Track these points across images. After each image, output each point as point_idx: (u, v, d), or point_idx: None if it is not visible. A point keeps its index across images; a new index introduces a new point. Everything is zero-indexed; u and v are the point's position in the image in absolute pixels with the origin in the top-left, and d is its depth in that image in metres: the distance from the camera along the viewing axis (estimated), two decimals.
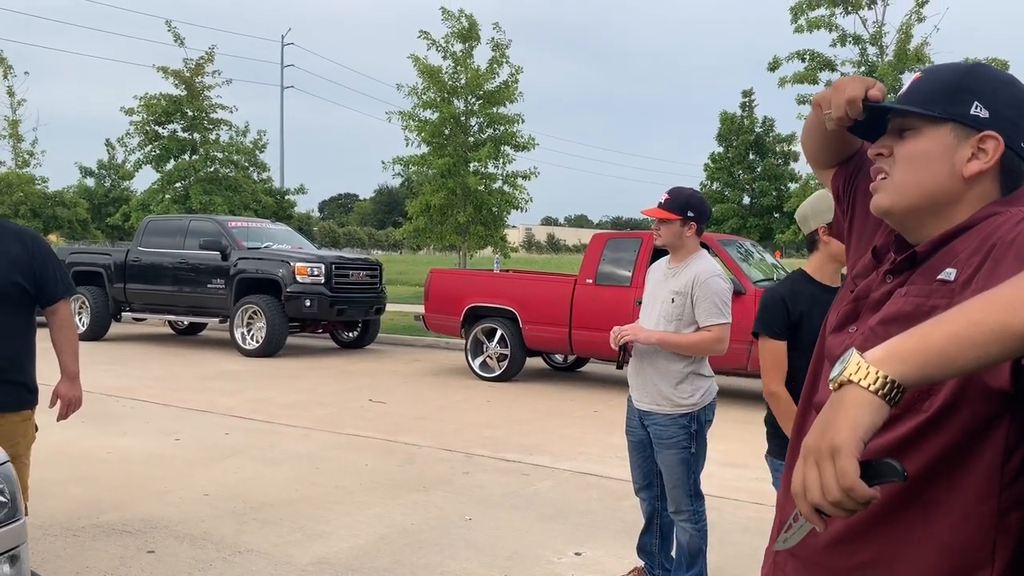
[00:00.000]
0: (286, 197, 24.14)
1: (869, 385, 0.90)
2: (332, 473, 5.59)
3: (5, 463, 2.30)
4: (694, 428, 3.48)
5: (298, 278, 11.49)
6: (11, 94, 21.99)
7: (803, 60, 15.70)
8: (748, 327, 9.51)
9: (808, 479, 0.95)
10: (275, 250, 12.23)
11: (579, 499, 5.18)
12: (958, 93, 1.22)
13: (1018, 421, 1.09)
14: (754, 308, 9.74)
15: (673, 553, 3.74)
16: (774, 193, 31.85)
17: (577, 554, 4.23)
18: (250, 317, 11.59)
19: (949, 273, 1.16)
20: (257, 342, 11.46)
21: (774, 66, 16.02)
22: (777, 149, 33.15)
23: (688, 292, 3.47)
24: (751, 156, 33.39)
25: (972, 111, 1.21)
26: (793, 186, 25.66)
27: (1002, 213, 1.17)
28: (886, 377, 0.90)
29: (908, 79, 1.32)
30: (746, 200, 33.22)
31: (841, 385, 0.94)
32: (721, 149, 33.56)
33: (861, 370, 0.91)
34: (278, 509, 4.79)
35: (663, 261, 3.69)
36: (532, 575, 3.93)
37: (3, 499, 2.23)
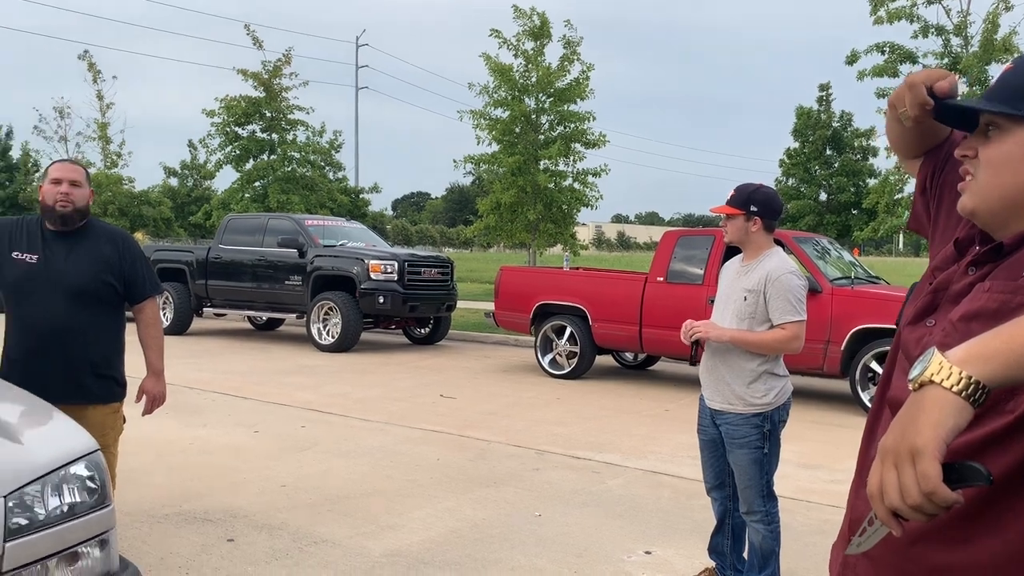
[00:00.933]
0: (361, 196, 24.59)
1: (952, 386, 0.88)
2: (405, 467, 5.68)
3: (95, 452, 2.41)
4: (767, 428, 3.43)
5: (372, 275, 11.69)
6: (100, 98, 22.92)
7: (883, 53, 15.21)
8: (825, 325, 9.27)
9: (886, 482, 0.93)
10: (350, 248, 12.46)
11: (649, 498, 5.15)
12: None
13: None
14: (831, 306, 9.43)
15: (745, 554, 3.69)
16: (852, 189, 31.01)
17: (647, 553, 4.21)
18: (326, 313, 11.85)
19: None
20: (332, 337, 11.71)
21: (852, 59, 15.57)
22: (855, 144, 32.28)
23: (761, 290, 3.42)
24: (828, 151, 32.59)
25: None
26: (872, 182, 24.90)
27: None
28: (970, 378, 0.87)
29: (997, 71, 1.25)
30: (823, 196, 32.43)
31: (922, 385, 0.91)
32: (797, 144, 32.84)
33: (943, 370, 0.89)
34: (352, 501, 4.89)
35: (736, 259, 3.65)
36: (601, 573, 3.93)
37: (93, 486, 2.34)
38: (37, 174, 30.78)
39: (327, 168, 22.75)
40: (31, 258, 3.34)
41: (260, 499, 4.87)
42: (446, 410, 7.70)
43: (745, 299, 3.45)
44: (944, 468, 0.90)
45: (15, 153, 31.98)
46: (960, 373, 0.88)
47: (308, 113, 21.52)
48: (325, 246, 12.39)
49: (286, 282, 12.41)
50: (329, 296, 11.78)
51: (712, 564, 3.82)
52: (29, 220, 3.49)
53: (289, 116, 21.15)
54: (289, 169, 21.02)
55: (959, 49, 14.65)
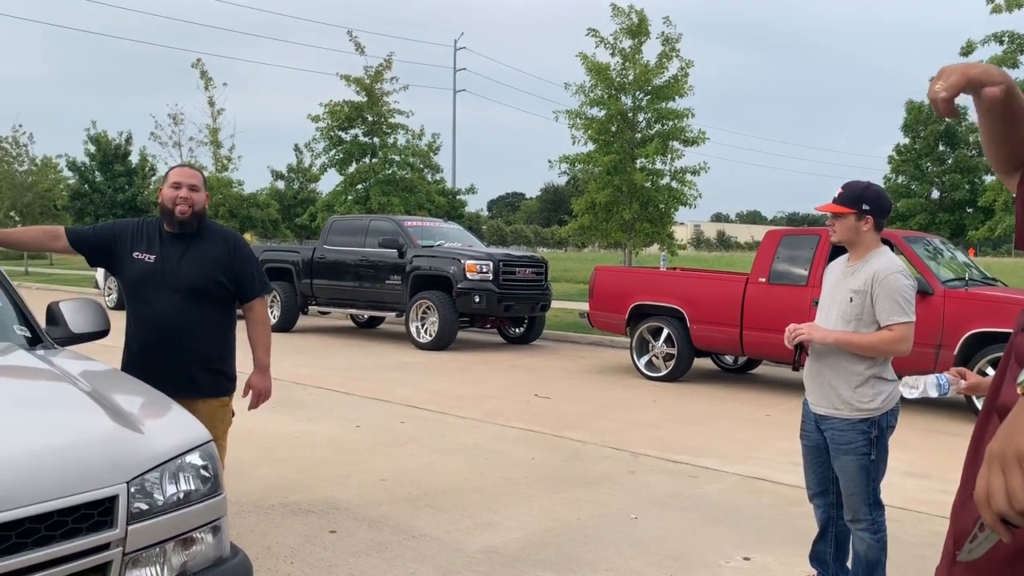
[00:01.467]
0: (457, 197, 24.92)
1: None
2: (500, 464, 5.73)
3: (209, 442, 2.53)
4: (875, 434, 3.32)
5: (468, 275, 11.84)
6: (211, 104, 23.92)
7: (1001, 43, 14.44)
8: (936, 329, 8.87)
9: (993, 486, 0.89)
10: (447, 248, 12.66)
11: (749, 503, 5.05)
12: None
13: None
14: (943, 309, 9.05)
15: (849, 564, 3.58)
16: (967, 187, 29.52)
17: (746, 559, 4.13)
18: (424, 312, 12.07)
19: None
20: (430, 336, 11.92)
21: (968, 50, 14.84)
22: (971, 139, 30.70)
23: (867, 290, 3.31)
24: (940, 147, 31.12)
25: None
26: (989, 179, 23.66)
27: None
28: None
29: None
30: (935, 194, 30.98)
31: None
32: (907, 140, 31.48)
33: None
34: (449, 497, 4.97)
35: (841, 259, 3.55)
36: None
37: (207, 475, 2.46)
38: (154, 178, 32.44)
39: (425, 170, 23.12)
40: (149, 258, 3.53)
41: (361, 492, 5.00)
42: (540, 410, 7.73)
43: (851, 300, 3.35)
44: None
45: (134, 158, 33.75)
46: None
47: (408, 116, 21.93)
48: (423, 246, 12.62)
49: (386, 281, 12.70)
50: (427, 295, 12.00)
51: (814, 572, 3.71)
52: (149, 222, 3.69)
53: (390, 120, 21.59)
54: (390, 172, 21.46)
55: None
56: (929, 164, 30.94)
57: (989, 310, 7.61)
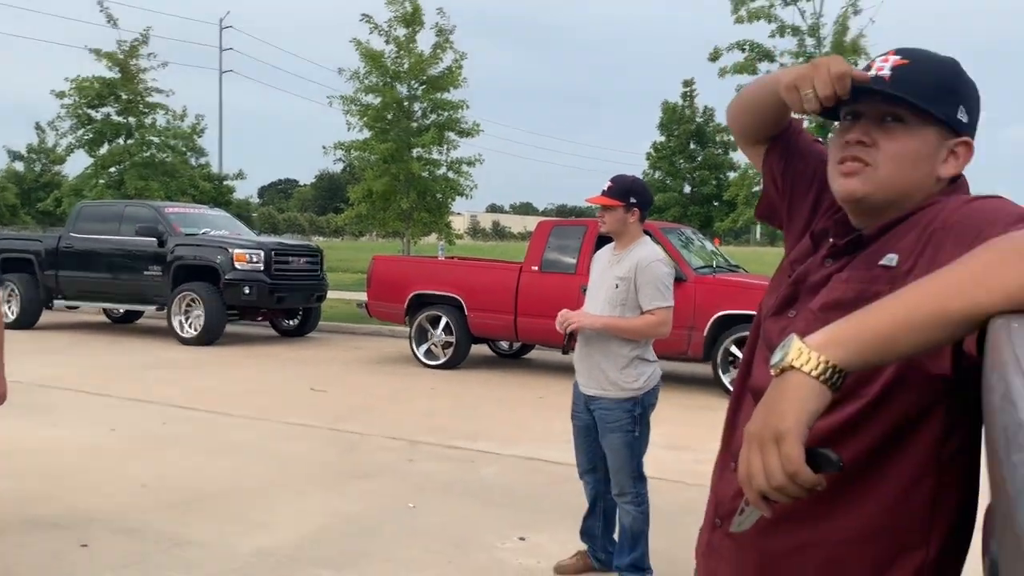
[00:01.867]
0: (224, 183, 23.67)
1: (811, 371, 0.90)
2: (274, 462, 5.51)
3: None
4: (638, 412, 3.53)
5: (237, 265, 11.27)
6: None
7: (743, 50, 15.93)
8: (689, 312, 9.56)
9: (752, 465, 0.95)
10: (213, 236, 11.97)
11: (524, 484, 5.20)
12: (950, 94, 1.21)
13: (956, 404, 1.11)
14: (694, 294, 9.81)
15: (616, 536, 3.79)
16: (714, 182, 32.37)
17: (521, 539, 4.24)
18: (188, 305, 11.34)
19: (891, 259, 1.17)
20: (195, 330, 11.23)
21: (715, 56, 16.22)
22: (717, 139, 33.64)
23: (631, 277, 3.52)
24: (692, 145, 33.85)
25: (958, 115, 1.21)
26: (732, 175, 26.06)
27: (939, 201, 1.19)
28: (828, 362, 0.90)
29: (879, 59, 1.25)
30: (687, 189, 33.68)
31: (783, 371, 0.93)
32: (663, 138, 33.94)
33: (803, 356, 0.91)
34: (219, 500, 4.70)
35: (607, 248, 3.73)
36: (476, 561, 3.94)
37: None
38: None
39: (189, 154, 21.78)
40: None
41: (118, 501, 4.60)
42: (317, 403, 7.52)
43: (617, 287, 3.54)
44: (806, 453, 0.93)
45: None
46: (819, 358, 0.90)
47: (168, 96, 20.55)
48: (186, 235, 11.85)
49: (145, 272, 11.80)
50: (191, 287, 11.28)
51: (584, 547, 3.90)
52: None
53: (147, 99, 20.11)
54: (148, 154, 20.01)
55: (813, 49, 15.50)
56: (682, 161, 33.58)
57: (734, 294, 8.36)
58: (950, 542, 1.15)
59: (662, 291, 3.52)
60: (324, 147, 18.07)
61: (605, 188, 3.60)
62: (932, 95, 1.19)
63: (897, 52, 1.24)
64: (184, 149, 21.43)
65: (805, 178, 1.44)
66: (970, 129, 1.23)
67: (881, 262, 1.18)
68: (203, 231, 12.18)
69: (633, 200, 3.55)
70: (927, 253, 1.11)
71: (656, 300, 3.50)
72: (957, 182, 1.25)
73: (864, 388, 1.13)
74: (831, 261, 1.28)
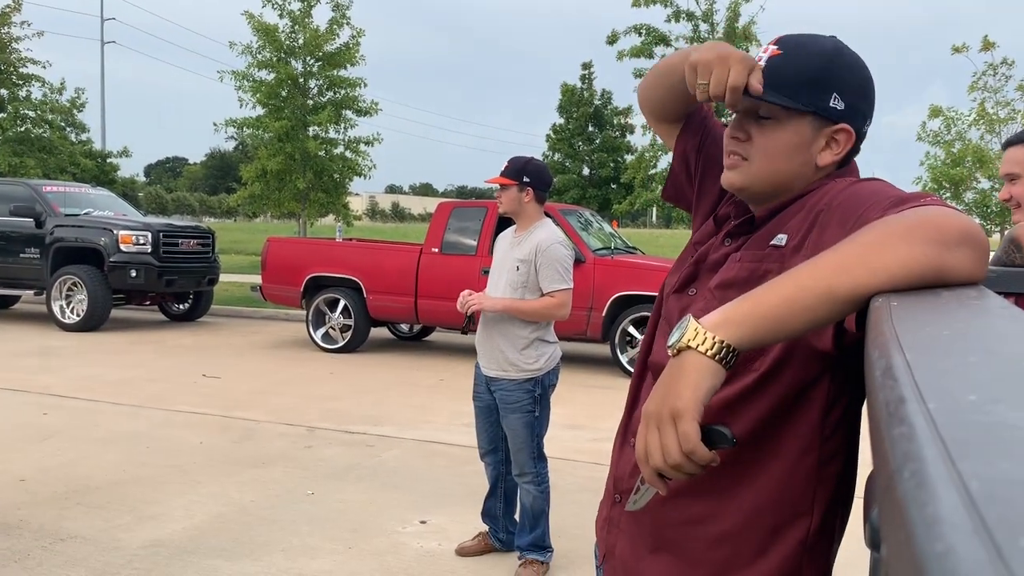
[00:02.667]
0: (108, 160, 22.53)
1: (707, 351, 0.92)
2: (164, 452, 5.31)
3: None
4: (538, 392, 3.57)
5: (122, 247, 10.77)
6: None
7: (639, 34, 16.19)
8: (588, 293, 9.70)
9: (650, 443, 0.97)
10: (96, 217, 11.40)
11: (424, 468, 5.19)
12: (820, 83, 1.22)
13: (838, 379, 1.17)
14: (593, 275, 9.96)
15: (516, 516, 3.82)
16: (612, 165, 32.93)
17: (422, 522, 4.23)
18: (69, 289, 10.79)
19: (781, 239, 1.21)
20: (78, 316, 10.69)
21: (612, 39, 16.42)
22: (615, 122, 34.21)
23: (532, 260, 3.55)
24: (590, 128, 34.31)
25: (831, 103, 1.23)
26: (629, 158, 26.57)
27: (828, 183, 1.23)
28: (722, 342, 0.92)
29: (760, 50, 1.26)
30: (586, 171, 34.15)
31: (680, 351, 0.95)
32: (562, 120, 34.27)
33: (699, 336, 0.93)
34: (105, 492, 4.51)
35: (510, 231, 3.76)
36: (376, 546, 3.91)
37: None
38: None
39: (68, 129, 20.63)
40: None
41: None
42: (209, 390, 7.29)
43: (518, 269, 3.57)
44: (701, 430, 0.95)
45: None
46: (713, 338, 0.93)
47: (44, 68, 19.36)
48: (67, 215, 11.24)
49: (21, 255, 11.14)
50: (73, 270, 10.72)
51: (485, 529, 3.92)
52: None
53: (20, 70, 18.92)
54: (22, 129, 18.84)
55: (707, 35, 15.89)
56: (580, 143, 34.00)
57: (631, 275, 8.53)
58: (833, 510, 1.21)
59: (561, 273, 3.56)
60: (215, 124, 17.45)
61: (502, 168, 3.66)
62: (799, 87, 1.21)
63: (777, 42, 1.26)
64: (63, 124, 20.29)
65: (717, 162, 1.45)
66: (850, 114, 1.24)
67: (772, 242, 1.22)
68: (85, 211, 11.59)
69: (527, 180, 3.60)
70: (813, 234, 1.15)
71: (556, 282, 3.54)
72: (847, 167, 1.30)
73: (754, 363, 1.17)
74: (729, 241, 1.33)
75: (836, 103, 1.23)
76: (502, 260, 3.69)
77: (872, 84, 1.28)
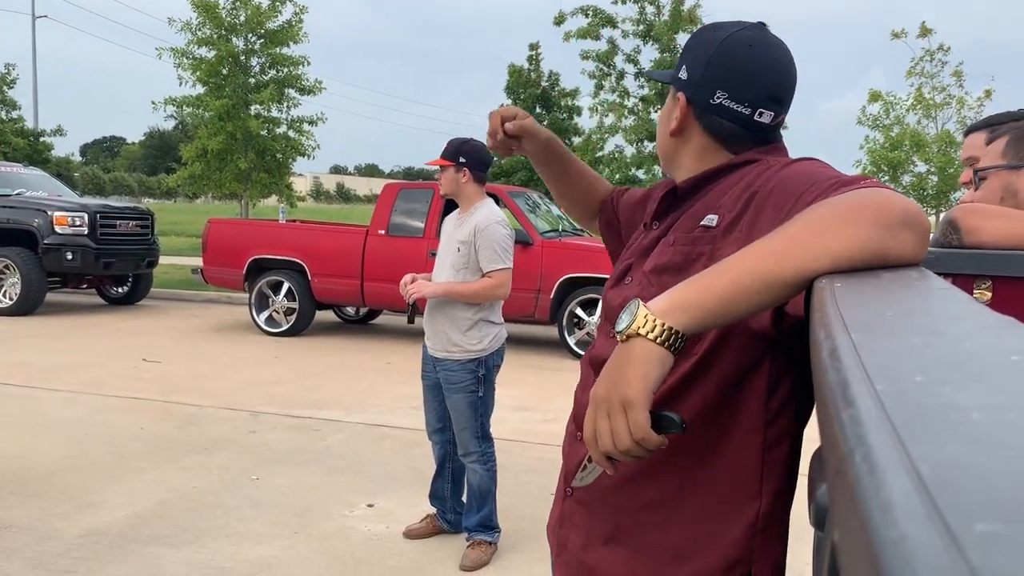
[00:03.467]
0: (41, 139, 21.83)
1: (656, 337, 0.92)
2: (103, 439, 5.19)
3: None
4: (482, 373, 3.58)
5: (57, 229, 10.45)
6: None
7: (587, 16, 16.19)
8: (536, 275, 9.70)
9: (600, 429, 0.97)
10: (29, 198, 11.02)
11: (371, 451, 5.15)
12: (681, 56, 1.33)
13: (779, 361, 1.17)
14: (541, 257, 9.97)
15: (464, 498, 3.83)
16: None
17: (370, 506, 4.21)
18: (1, 272, 10.43)
19: (711, 219, 1.21)
20: (11, 300, 10.35)
21: (560, 20, 16.40)
22: (562, 104, 34.20)
23: (471, 240, 3.58)
24: (538, 109, 34.25)
25: (680, 74, 1.31)
26: (576, 140, 26.66)
27: (761, 161, 1.24)
28: (670, 328, 0.92)
29: (684, 39, 1.38)
30: None
31: (628, 337, 0.95)
32: (510, 101, 34.16)
33: (648, 323, 0.92)
34: (41, 481, 4.38)
35: (455, 213, 3.77)
36: (323, 530, 3.88)
37: None
38: None
39: None
40: None
41: None
42: (149, 375, 7.13)
43: (459, 250, 3.59)
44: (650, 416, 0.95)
45: None
46: (662, 325, 0.92)
47: None
48: None
49: None
50: (5, 253, 10.36)
51: (433, 511, 3.91)
52: None
53: None
54: None
55: (652, 16, 15.96)
56: None
57: (579, 258, 8.56)
58: (780, 489, 1.22)
59: (500, 253, 3.57)
60: (154, 102, 16.99)
61: (442, 150, 3.69)
62: (677, 63, 1.33)
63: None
64: None
65: (631, 212, 1.63)
66: (687, 85, 1.29)
67: (702, 223, 1.22)
68: (17, 192, 11.19)
69: (463, 160, 3.61)
70: (748, 216, 1.15)
71: (494, 262, 3.56)
72: (777, 143, 1.31)
73: (693, 347, 1.17)
74: (657, 223, 1.35)
75: (682, 73, 1.32)
76: (447, 242, 3.69)
77: (765, 67, 1.26)
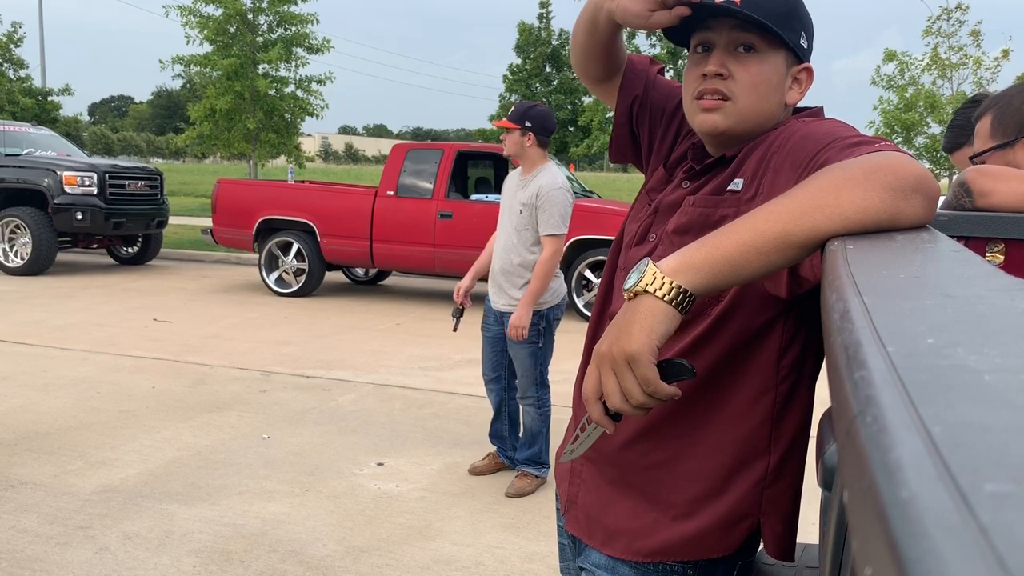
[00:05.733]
0: (49, 98, 21.78)
1: (664, 295, 0.92)
2: (115, 397, 5.24)
3: None
4: (543, 325, 3.82)
5: (67, 188, 10.46)
6: None
7: None
8: None
9: (607, 386, 0.96)
10: (38, 157, 11.02)
11: (381, 411, 5.20)
12: (791, 20, 1.20)
13: (791, 322, 1.18)
14: None
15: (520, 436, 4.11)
16: (569, 107, 32.70)
17: (380, 464, 4.26)
18: (12, 232, 10.47)
19: (737, 183, 1.20)
20: (22, 259, 10.41)
21: None
22: None
23: (533, 203, 3.72)
24: (548, 69, 33.95)
25: (801, 41, 1.23)
26: (587, 100, 26.42)
27: (788, 123, 1.22)
28: (679, 287, 0.91)
29: None
30: None
31: (636, 295, 0.94)
32: (519, 61, 33.84)
33: (656, 280, 0.92)
34: (55, 438, 4.44)
35: (516, 172, 3.94)
36: (333, 488, 3.93)
37: None
38: None
39: (6, 66, 19.83)
40: None
41: None
42: (160, 335, 7.19)
43: (521, 212, 3.76)
44: (658, 366, 0.95)
45: None
46: (671, 283, 0.92)
47: None
48: (7, 155, 10.85)
49: None
50: (15, 212, 10.40)
51: (494, 448, 4.18)
52: None
53: None
54: None
55: None
56: (538, 84, 33.68)
57: (588, 219, 8.53)
58: (790, 447, 1.23)
59: (558, 219, 3.73)
60: (161, 61, 16.89)
61: (508, 113, 3.86)
62: (780, 20, 1.19)
63: None
64: (0, 60, 19.50)
65: (665, 112, 1.43)
66: (809, 56, 1.26)
67: (729, 187, 1.21)
68: (26, 151, 11.20)
69: (528, 124, 3.76)
70: (768, 176, 1.14)
71: (551, 227, 3.72)
72: (810, 109, 1.30)
73: (710, 308, 1.18)
74: (687, 183, 1.30)
75: (804, 41, 1.23)
76: (509, 202, 3.86)
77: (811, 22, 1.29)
